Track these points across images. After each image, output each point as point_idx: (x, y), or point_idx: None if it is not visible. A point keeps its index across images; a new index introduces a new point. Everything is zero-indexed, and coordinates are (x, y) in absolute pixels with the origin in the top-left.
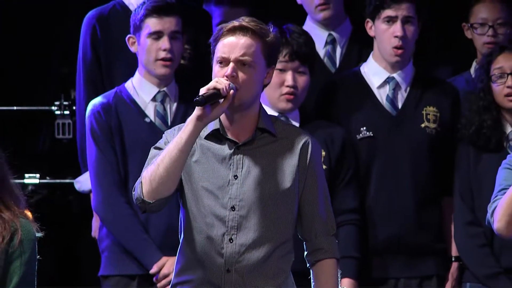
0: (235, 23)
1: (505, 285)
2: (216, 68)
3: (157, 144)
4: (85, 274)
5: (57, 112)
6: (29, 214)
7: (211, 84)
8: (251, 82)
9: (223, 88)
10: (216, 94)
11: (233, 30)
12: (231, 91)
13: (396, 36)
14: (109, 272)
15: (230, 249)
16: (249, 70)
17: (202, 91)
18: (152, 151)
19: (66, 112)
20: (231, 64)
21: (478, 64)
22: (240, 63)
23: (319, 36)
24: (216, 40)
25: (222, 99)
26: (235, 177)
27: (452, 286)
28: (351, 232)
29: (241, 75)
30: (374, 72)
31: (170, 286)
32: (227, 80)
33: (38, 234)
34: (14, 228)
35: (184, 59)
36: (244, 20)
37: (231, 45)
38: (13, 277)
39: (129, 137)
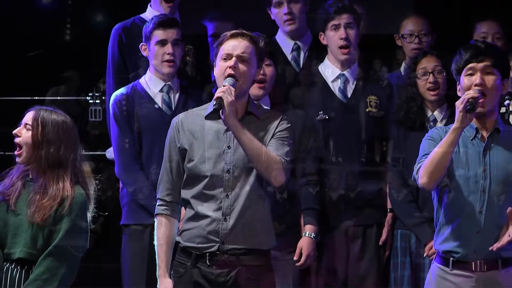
0: (236, 31)
1: (427, 231)
2: (220, 63)
3: (167, 153)
4: (111, 223)
5: (90, 101)
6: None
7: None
8: (247, 74)
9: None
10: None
11: (235, 35)
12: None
13: (341, 38)
14: (128, 221)
15: (227, 202)
16: (246, 65)
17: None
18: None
19: (97, 101)
20: (234, 59)
21: (407, 64)
22: (240, 59)
23: (287, 44)
24: (221, 44)
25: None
26: (229, 147)
27: (388, 231)
28: (311, 190)
29: (241, 67)
30: (328, 70)
31: (178, 231)
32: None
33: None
34: (67, 194)
35: (189, 56)
36: (242, 30)
37: (234, 45)
38: (60, 230)
39: (143, 120)
